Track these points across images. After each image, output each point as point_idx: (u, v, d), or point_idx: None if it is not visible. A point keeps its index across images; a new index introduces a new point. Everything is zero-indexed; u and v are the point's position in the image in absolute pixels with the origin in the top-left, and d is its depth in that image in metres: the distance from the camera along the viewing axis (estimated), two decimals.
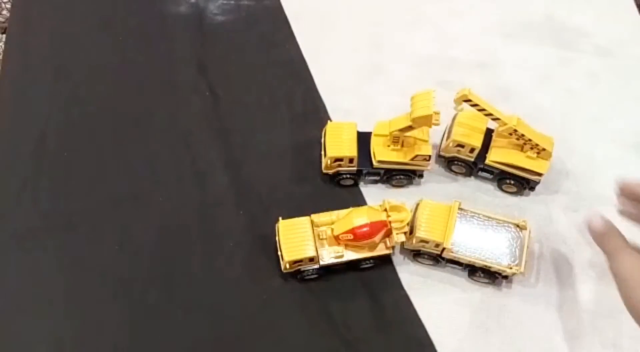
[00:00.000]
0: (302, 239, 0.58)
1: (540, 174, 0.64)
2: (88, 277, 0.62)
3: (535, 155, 0.63)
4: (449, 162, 0.67)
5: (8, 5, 1.49)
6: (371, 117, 0.66)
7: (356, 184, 0.68)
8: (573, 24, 0.83)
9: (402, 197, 0.61)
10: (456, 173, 0.69)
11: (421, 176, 0.67)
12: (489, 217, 0.60)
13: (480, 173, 0.67)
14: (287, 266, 0.58)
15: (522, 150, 0.64)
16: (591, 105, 0.75)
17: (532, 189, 0.66)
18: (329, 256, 0.58)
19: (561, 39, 0.81)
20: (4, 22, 1.48)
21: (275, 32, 0.81)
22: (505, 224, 0.60)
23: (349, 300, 0.61)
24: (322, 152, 0.66)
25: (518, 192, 0.67)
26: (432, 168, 0.67)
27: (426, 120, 0.57)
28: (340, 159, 0.64)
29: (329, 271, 0.60)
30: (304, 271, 0.59)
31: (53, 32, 0.80)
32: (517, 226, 0.60)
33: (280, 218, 0.59)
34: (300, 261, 0.57)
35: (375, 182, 0.68)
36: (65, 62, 0.78)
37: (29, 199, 0.66)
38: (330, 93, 0.75)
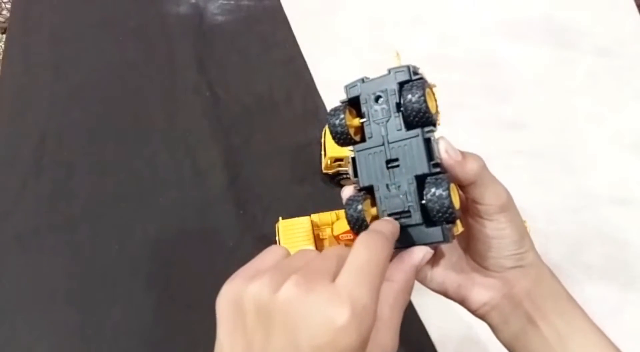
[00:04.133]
0: (302, 239, 0.58)
1: None
2: (88, 277, 0.62)
3: None
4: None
5: (8, 5, 1.49)
6: None
7: None
8: (573, 24, 0.82)
9: None
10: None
11: None
12: None
13: None
14: None
15: None
16: (591, 105, 0.75)
17: None
18: None
19: (561, 39, 0.81)
20: (4, 22, 1.48)
21: (275, 32, 0.81)
22: None
23: None
24: (322, 152, 0.66)
25: None
26: None
27: None
28: (340, 159, 0.64)
29: None
30: None
31: (53, 32, 0.80)
32: None
33: (280, 218, 0.59)
34: None
35: None
36: (65, 62, 0.77)
37: (29, 199, 0.66)
38: (330, 93, 0.75)
